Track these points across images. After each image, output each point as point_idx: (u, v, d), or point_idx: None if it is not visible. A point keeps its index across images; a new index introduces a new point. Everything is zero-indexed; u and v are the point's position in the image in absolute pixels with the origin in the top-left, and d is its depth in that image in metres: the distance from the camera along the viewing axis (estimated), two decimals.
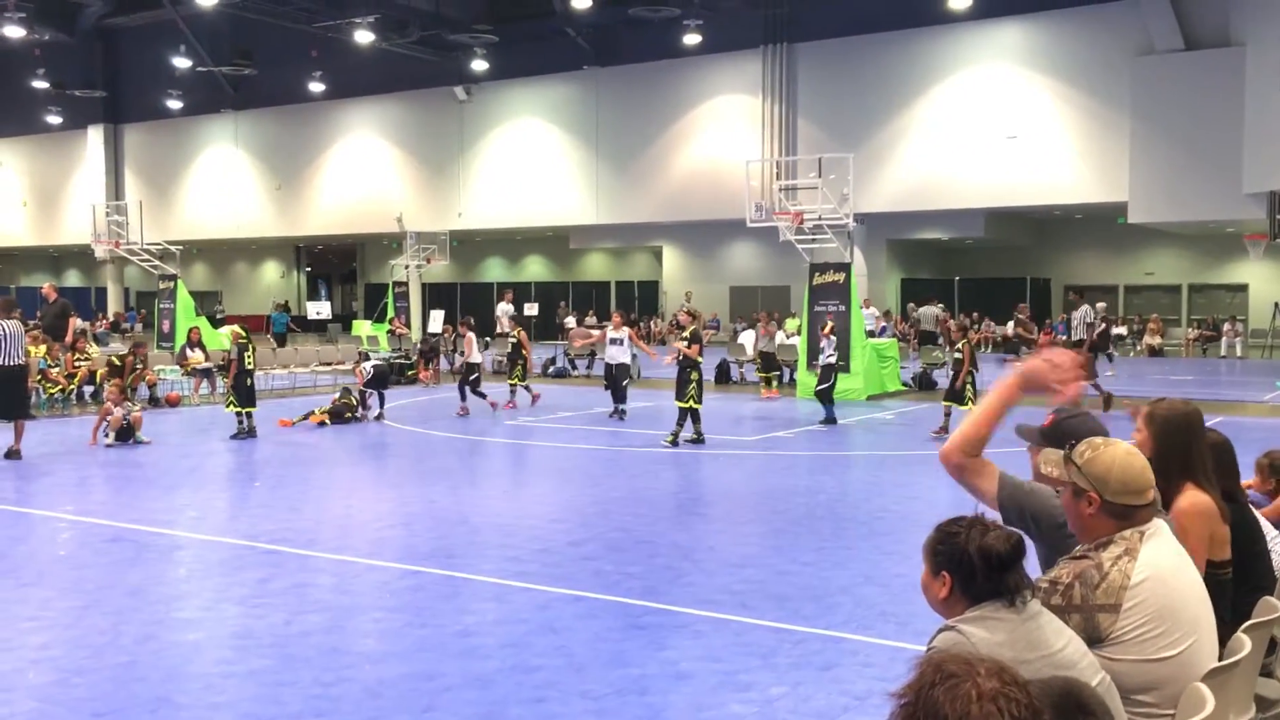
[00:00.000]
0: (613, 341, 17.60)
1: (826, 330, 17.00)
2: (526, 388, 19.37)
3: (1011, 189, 30.05)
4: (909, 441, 15.59)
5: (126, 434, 14.73)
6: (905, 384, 21.96)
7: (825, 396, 16.54)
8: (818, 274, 21.08)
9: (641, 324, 40.71)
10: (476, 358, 18.53)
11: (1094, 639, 2.74)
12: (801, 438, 15.57)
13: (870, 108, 31.52)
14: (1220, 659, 2.96)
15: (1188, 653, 2.80)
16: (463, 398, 18.16)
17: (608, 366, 17.78)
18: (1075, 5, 28.83)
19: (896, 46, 31.20)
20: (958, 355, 15.46)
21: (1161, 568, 2.85)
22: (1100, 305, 22.88)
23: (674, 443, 14.25)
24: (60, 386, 18.51)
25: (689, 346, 14.63)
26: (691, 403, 14.33)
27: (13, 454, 13.39)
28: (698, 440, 14.40)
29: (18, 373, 13.56)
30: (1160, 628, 2.78)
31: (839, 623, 6.69)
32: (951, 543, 2.60)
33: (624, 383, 17.51)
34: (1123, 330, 35.02)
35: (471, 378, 18.28)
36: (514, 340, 19.70)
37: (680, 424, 14.40)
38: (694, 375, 14.41)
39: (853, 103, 31.80)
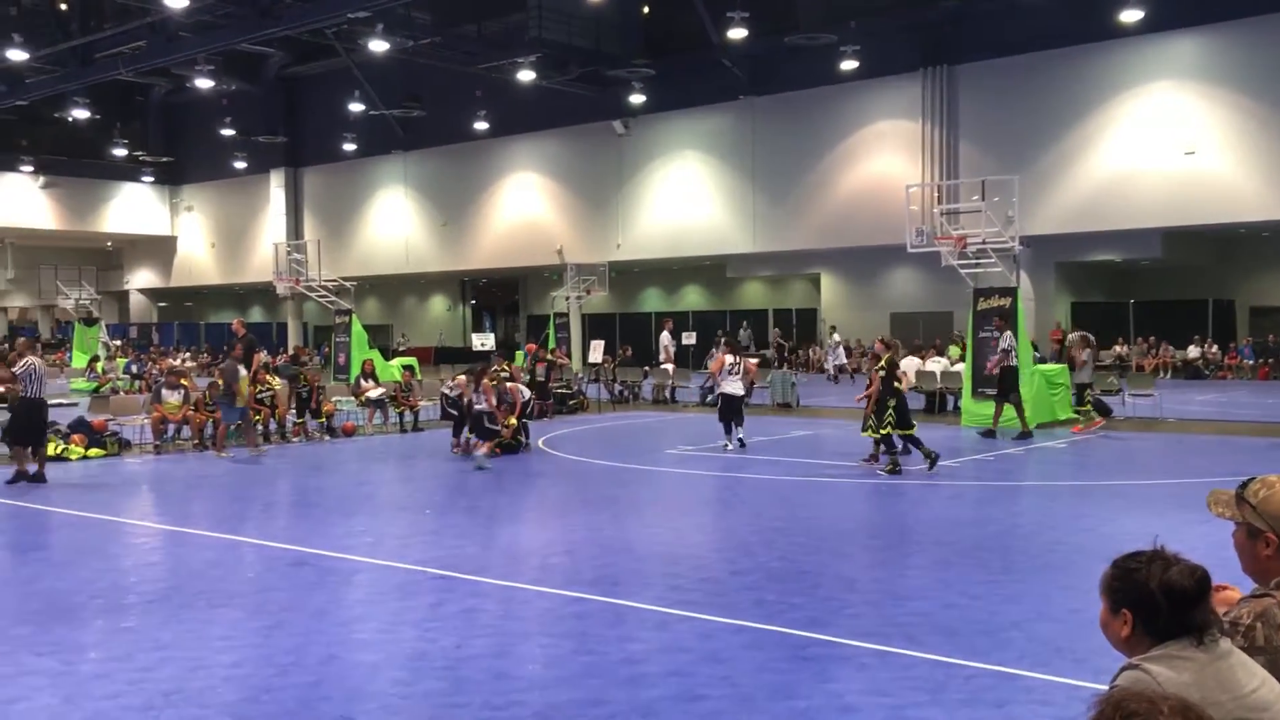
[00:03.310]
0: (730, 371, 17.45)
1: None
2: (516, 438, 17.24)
3: (1190, 207, 28.73)
4: (1082, 471, 15.02)
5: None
6: (1078, 411, 21.12)
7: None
8: (982, 299, 20.55)
9: (800, 351, 40.47)
10: None
11: None
12: (967, 467, 15.16)
13: (1036, 127, 30.67)
14: None
15: None
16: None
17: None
18: (1255, 15, 27.46)
19: (1063, 64, 30.30)
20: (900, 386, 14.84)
21: None
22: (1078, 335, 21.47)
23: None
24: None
25: (878, 380, 14.46)
26: (888, 429, 14.29)
27: (37, 478, 14.29)
28: (894, 470, 14.13)
29: (39, 405, 14.52)
30: None
31: (1012, 659, 6.49)
32: (1131, 579, 2.50)
33: (729, 416, 16.98)
34: None
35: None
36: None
37: (890, 450, 14.32)
38: (890, 403, 14.27)
39: (1017, 123, 31.00)
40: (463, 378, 17.73)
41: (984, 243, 20.65)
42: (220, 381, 17.69)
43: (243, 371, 17.58)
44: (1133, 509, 11.53)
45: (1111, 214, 29.96)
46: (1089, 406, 19.21)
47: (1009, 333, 18.63)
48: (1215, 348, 33.71)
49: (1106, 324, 35.62)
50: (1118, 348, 33.94)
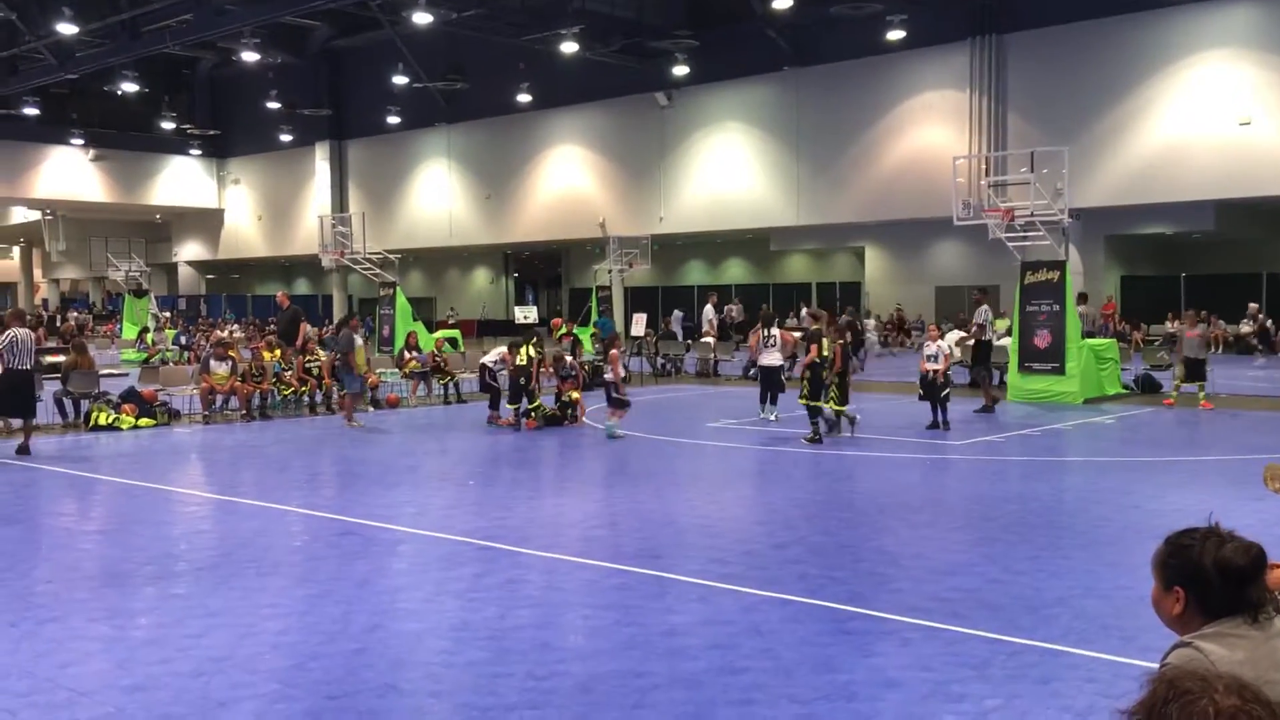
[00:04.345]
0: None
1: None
2: (526, 414, 16.86)
3: (1244, 178, 28.12)
4: (1130, 447, 14.83)
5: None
6: (1127, 386, 20.85)
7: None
8: (1030, 273, 20.28)
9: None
10: None
11: None
12: (1013, 442, 15.03)
13: (1086, 98, 30.13)
14: None
15: None
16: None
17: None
18: None
19: (1115, 32, 29.71)
20: (827, 355, 15.02)
21: None
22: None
23: (814, 439, 14.73)
24: (292, 388, 19.73)
25: (808, 350, 15.15)
26: (806, 399, 14.94)
27: (23, 450, 14.26)
28: (814, 439, 14.69)
29: (28, 377, 14.44)
30: None
31: (1057, 635, 6.44)
32: (1184, 555, 2.46)
33: (768, 387, 17.51)
34: None
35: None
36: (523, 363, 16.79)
37: (813, 421, 14.92)
38: (820, 374, 14.84)
39: (1067, 93, 30.46)
40: (505, 350, 17.81)
41: (1032, 215, 20.36)
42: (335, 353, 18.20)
43: (358, 341, 17.69)
44: (1182, 485, 11.38)
45: (1163, 186, 29.41)
46: (1201, 383, 18.40)
47: (984, 308, 19.68)
48: (1270, 322, 33.10)
49: (1157, 298, 35.11)
50: (1168, 323, 33.40)
